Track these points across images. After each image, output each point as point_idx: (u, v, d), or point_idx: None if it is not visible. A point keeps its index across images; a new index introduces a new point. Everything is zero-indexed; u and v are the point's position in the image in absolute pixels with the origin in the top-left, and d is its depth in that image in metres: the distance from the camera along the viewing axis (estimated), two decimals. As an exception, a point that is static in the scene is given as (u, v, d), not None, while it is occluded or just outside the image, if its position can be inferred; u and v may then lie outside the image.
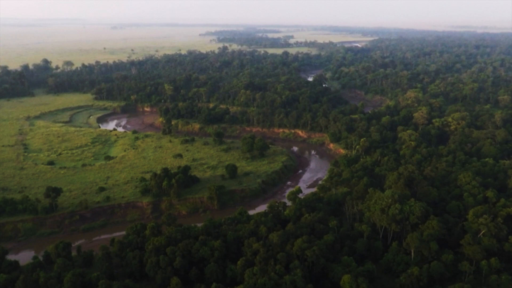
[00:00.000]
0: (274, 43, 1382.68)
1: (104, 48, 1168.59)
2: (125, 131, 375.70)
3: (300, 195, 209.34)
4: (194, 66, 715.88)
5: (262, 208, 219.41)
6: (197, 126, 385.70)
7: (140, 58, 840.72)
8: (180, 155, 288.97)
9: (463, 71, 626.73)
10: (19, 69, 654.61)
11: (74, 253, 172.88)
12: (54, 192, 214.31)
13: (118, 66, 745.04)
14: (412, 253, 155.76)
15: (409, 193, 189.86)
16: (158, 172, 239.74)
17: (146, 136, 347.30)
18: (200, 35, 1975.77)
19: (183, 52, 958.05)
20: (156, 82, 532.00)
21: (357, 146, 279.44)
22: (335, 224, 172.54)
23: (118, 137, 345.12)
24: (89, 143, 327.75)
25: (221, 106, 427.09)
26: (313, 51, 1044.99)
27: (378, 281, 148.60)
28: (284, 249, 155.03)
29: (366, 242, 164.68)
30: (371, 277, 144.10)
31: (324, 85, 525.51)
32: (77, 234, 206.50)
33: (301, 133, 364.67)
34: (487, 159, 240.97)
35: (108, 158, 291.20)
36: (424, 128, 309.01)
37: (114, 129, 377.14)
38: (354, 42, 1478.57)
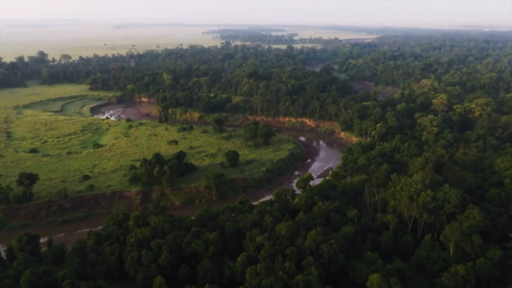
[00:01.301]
0: (278, 39, 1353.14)
1: (105, 44, 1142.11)
2: (118, 120, 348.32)
3: (311, 184, 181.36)
4: (195, 59, 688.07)
5: (267, 199, 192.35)
6: (196, 115, 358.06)
7: (140, 52, 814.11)
8: (175, 142, 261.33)
9: (477, 63, 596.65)
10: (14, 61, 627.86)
11: (45, 248, 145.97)
12: (28, 179, 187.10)
13: (117, 59, 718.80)
14: (451, 249, 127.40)
15: (441, 178, 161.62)
16: (149, 158, 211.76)
17: (141, 124, 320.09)
18: (203, 33, 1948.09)
19: (185, 47, 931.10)
20: (155, 72, 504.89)
21: (373, 132, 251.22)
22: (354, 214, 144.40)
23: (110, 126, 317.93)
24: (78, 131, 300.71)
25: (223, 95, 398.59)
26: (319, 47, 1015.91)
27: (410, 282, 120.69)
28: (294, 243, 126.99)
29: (392, 235, 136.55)
30: (402, 277, 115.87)
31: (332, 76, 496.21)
32: (54, 227, 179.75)
33: (308, 121, 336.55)
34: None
35: (97, 146, 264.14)
36: (444, 115, 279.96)
37: (107, 118, 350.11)
38: (360, 39, 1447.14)
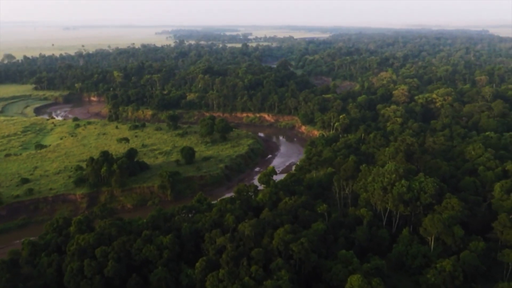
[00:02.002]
0: (233, 38, 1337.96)
1: (53, 45, 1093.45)
2: (64, 119, 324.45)
3: (274, 179, 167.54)
4: (147, 57, 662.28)
5: (227, 197, 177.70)
6: (149, 112, 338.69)
7: (90, 52, 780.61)
8: (126, 139, 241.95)
9: (431, 58, 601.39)
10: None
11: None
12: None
13: (65, 58, 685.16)
14: (431, 242, 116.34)
15: (415, 167, 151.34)
16: (97, 157, 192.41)
17: (89, 123, 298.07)
18: (156, 33, 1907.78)
19: (137, 46, 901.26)
20: (105, 70, 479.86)
21: (336, 124, 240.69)
22: (324, 209, 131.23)
23: (55, 125, 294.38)
24: (19, 132, 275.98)
25: (177, 92, 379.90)
26: (274, 45, 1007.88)
27: (389, 280, 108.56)
28: (260, 243, 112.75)
29: (367, 230, 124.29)
30: (381, 276, 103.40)
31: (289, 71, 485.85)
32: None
33: (267, 116, 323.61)
34: (487, 133, 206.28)
35: (40, 146, 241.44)
36: (406, 106, 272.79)
37: (52, 117, 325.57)
38: (315, 37, 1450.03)
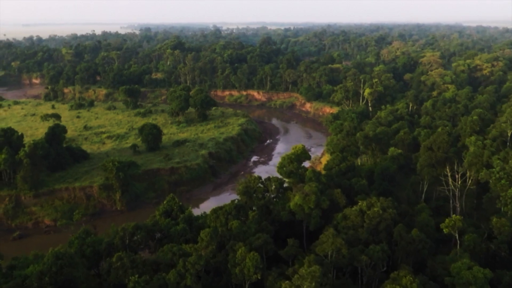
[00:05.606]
0: (204, 29, 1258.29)
1: (4, 35, 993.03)
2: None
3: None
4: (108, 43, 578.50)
5: (214, 203, 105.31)
6: (102, 92, 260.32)
7: (43, 38, 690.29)
8: (56, 116, 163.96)
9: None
10: None
11: None
12: None
13: (11, 43, 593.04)
14: None
15: None
16: None
17: (17, 103, 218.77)
18: (121, 28, 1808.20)
19: (98, 33, 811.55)
20: (52, 49, 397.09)
21: (366, 92, 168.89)
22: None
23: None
24: None
25: (139, 67, 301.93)
26: (249, 33, 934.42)
27: None
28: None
29: None
30: None
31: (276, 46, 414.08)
32: None
33: (257, 94, 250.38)
34: None
35: None
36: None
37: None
38: (291, 28, 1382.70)
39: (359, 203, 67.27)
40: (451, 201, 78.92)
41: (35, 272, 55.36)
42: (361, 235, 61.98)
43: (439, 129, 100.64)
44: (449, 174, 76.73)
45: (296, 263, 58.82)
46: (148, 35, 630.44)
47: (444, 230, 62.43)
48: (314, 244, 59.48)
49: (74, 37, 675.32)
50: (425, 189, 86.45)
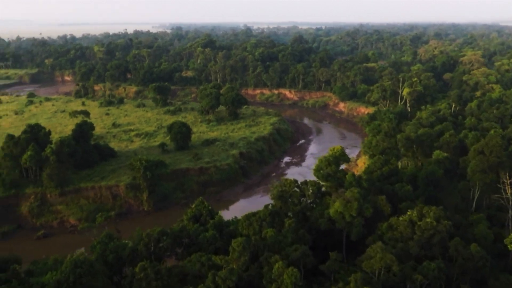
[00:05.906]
0: (235, 29, 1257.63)
1: (40, 33, 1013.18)
2: (17, 96, 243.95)
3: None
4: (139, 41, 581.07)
5: (244, 205, 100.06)
6: (132, 89, 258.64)
7: (77, 36, 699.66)
8: (85, 113, 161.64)
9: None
10: None
11: None
12: None
13: (46, 41, 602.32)
14: None
15: None
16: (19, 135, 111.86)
17: (48, 99, 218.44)
18: (153, 27, 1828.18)
19: (130, 32, 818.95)
20: (84, 46, 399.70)
21: (404, 92, 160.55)
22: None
23: (1, 102, 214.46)
24: None
25: (171, 65, 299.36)
26: (280, 32, 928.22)
27: None
28: None
29: None
30: None
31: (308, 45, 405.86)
32: None
33: (289, 93, 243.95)
34: None
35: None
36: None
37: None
38: (322, 27, 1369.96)
39: (408, 212, 60.61)
40: (509, 211, 71.09)
41: (52, 281, 50.85)
42: (411, 249, 55.47)
43: (492, 132, 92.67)
44: (507, 182, 69.09)
45: (338, 278, 52.69)
46: (179, 34, 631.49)
47: (508, 246, 55.29)
48: (360, 259, 53.30)
49: (107, 35, 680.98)
50: (476, 196, 78.91)
